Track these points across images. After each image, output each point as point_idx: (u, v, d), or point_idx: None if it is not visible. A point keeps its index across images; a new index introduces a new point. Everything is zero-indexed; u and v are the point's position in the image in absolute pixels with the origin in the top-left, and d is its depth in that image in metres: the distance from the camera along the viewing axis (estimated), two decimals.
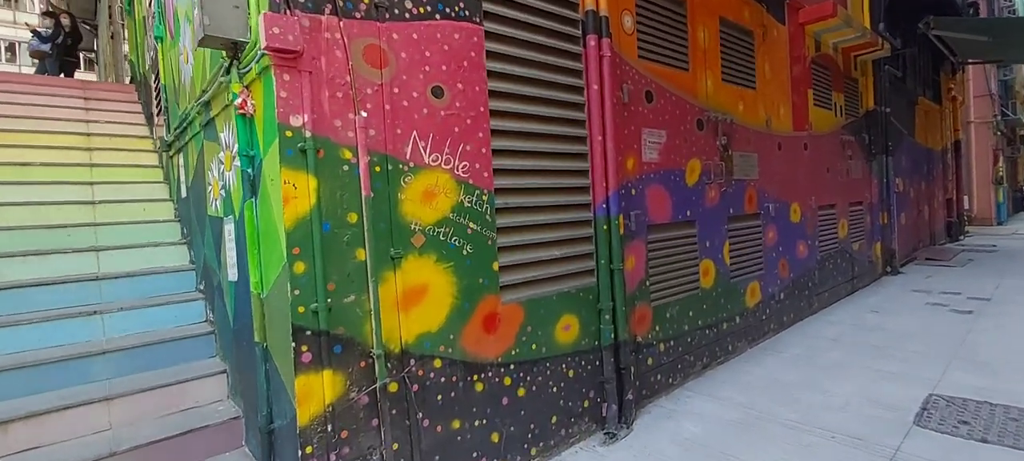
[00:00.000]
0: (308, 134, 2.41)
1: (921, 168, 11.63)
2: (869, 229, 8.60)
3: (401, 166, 2.76)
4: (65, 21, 10.85)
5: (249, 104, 2.59)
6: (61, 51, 10.65)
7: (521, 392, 3.29)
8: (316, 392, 2.43)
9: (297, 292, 2.39)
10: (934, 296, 7.36)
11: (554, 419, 3.48)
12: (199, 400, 3.58)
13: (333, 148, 2.52)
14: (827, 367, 4.75)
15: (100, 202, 5.15)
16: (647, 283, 4.21)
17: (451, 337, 2.95)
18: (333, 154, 2.52)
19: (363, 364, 2.59)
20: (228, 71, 2.71)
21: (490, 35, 3.19)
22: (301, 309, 2.40)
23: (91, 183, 5.34)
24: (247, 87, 2.64)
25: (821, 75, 7.18)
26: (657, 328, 4.29)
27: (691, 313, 4.67)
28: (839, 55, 7.70)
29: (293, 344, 2.37)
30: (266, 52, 2.31)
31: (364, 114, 2.59)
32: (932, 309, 6.64)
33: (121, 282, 4.28)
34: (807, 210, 6.67)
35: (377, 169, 2.67)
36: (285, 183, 2.36)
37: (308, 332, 2.42)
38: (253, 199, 2.68)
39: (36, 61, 10.91)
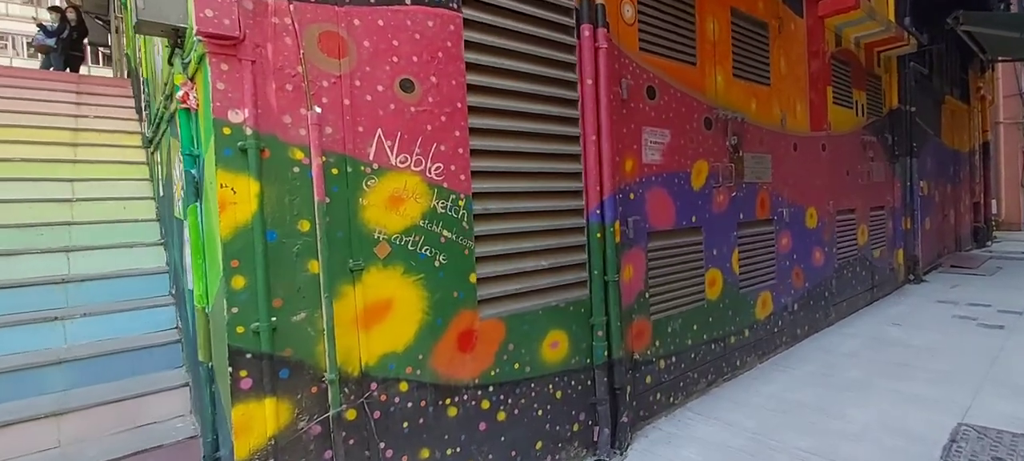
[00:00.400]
0: (249, 131, 2.13)
1: (947, 170, 11.07)
2: (891, 235, 8.13)
3: (363, 168, 2.48)
4: (71, 15, 10.78)
5: (192, 97, 2.32)
6: (66, 45, 10.59)
7: (501, 416, 3.00)
8: (257, 422, 2.16)
9: (235, 310, 2.12)
10: (961, 308, 6.89)
11: (539, 445, 3.18)
12: (159, 416, 3.35)
13: (281, 147, 2.24)
14: (844, 387, 4.38)
15: (79, 200, 4.96)
16: (646, 295, 3.88)
17: (420, 357, 2.66)
18: (281, 154, 2.24)
19: (315, 390, 2.32)
20: (172, 61, 2.45)
21: (469, 23, 2.88)
22: (240, 329, 2.13)
23: (72, 180, 5.16)
24: (191, 78, 2.38)
25: (841, 71, 6.74)
26: (657, 343, 3.96)
27: (695, 326, 4.32)
28: (861, 50, 7.25)
29: (230, 368, 2.10)
30: (199, 38, 2.04)
31: (318, 109, 2.31)
32: (959, 323, 6.18)
33: (91, 285, 4.08)
34: (824, 215, 6.26)
35: (334, 171, 2.38)
36: (222, 187, 2.09)
37: (248, 355, 2.15)
38: (198, 203, 2.42)
39: (41, 55, 10.88)
